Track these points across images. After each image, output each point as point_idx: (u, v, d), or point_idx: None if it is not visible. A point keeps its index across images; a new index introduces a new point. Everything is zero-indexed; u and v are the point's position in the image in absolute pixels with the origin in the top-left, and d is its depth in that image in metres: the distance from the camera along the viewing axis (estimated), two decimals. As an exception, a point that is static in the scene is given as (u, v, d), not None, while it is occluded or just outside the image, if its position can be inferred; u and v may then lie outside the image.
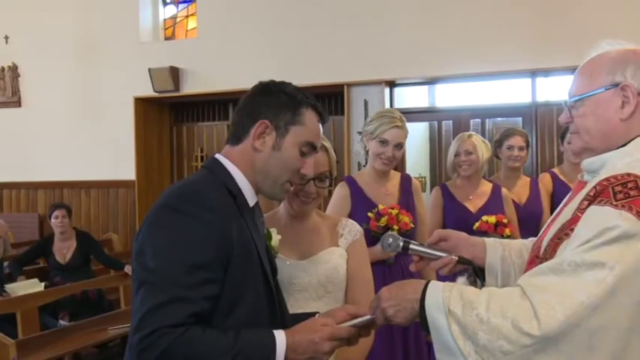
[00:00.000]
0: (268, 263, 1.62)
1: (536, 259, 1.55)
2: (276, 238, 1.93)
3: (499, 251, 1.72)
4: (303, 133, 1.61)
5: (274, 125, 1.59)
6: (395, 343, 2.89)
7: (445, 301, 1.39)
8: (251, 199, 1.61)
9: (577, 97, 1.53)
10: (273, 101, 1.60)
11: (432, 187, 6.82)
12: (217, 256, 1.45)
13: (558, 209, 1.62)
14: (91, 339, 4.78)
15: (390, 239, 1.72)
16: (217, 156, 1.64)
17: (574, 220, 1.43)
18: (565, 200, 1.61)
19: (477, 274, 1.70)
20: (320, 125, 1.67)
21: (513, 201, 3.76)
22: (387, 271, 2.95)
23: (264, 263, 1.58)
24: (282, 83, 1.65)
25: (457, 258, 1.70)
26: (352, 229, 2.20)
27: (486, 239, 1.75)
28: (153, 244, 1.44)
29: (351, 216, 2.85)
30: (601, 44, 1.55)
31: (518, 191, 3.90)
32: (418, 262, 1.74)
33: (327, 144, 2.12)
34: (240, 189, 1.58)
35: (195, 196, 1.48)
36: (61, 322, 5.45)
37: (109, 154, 7.95)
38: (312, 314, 1.70)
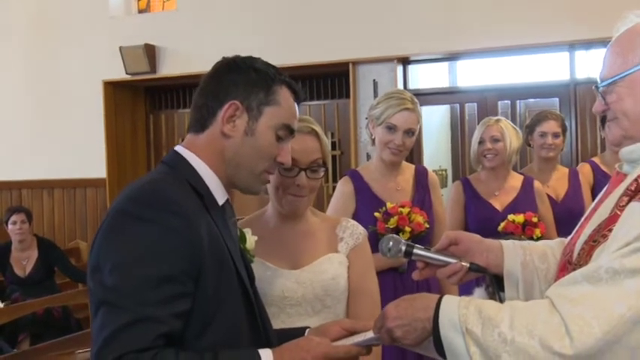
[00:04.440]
0: (244, 269, 1.63)
1: (568, 264, 1.56)
2: (251, 240, 1.93)
3: (519, 256, 1.72)
4: (278, 114, 1.62)
5: (245, 106, 1.60)
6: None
7: (462, 320, 1.41)
8: (220, 197, 1.62)
9: (609, 80, 1.55)
10: (242, 79, 1.61)
11: (454, 181, 6.82)
12: (186, 267, 1.45)
13: (593, 205, 1.63)
14: (55, 365, 4.80)
15: (390, 242, 1.71)
16: (178, 148, 1.64)
17: (612, 219, 1.45)
18: (601, 195, 1.62)
19: (493, 284, 1.70)
20: (296, 105, 1.68)
21: (549, 197, 3.76)
22: (399, 280, 2.95)
23: (240, 269, 1.59)
24: (250, 58, 1.66)
25: (469, 265, 1.70)
26: (354, 232, 2.20)
27: (503, 242, 1.75)
28: (110, 257, 1.44)
29: (355, 216, 2.86)
30: (629, 16, 1.55)
31: (555, 185, 3.91)
32: (423, 269, 1.75)
33: (317, 127, 2.12)
34: (207, 187, 1.59)
35: (155, 199, 1.48)
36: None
37: (75, 149, 7.94)
38: (301, 329, 1.71)
